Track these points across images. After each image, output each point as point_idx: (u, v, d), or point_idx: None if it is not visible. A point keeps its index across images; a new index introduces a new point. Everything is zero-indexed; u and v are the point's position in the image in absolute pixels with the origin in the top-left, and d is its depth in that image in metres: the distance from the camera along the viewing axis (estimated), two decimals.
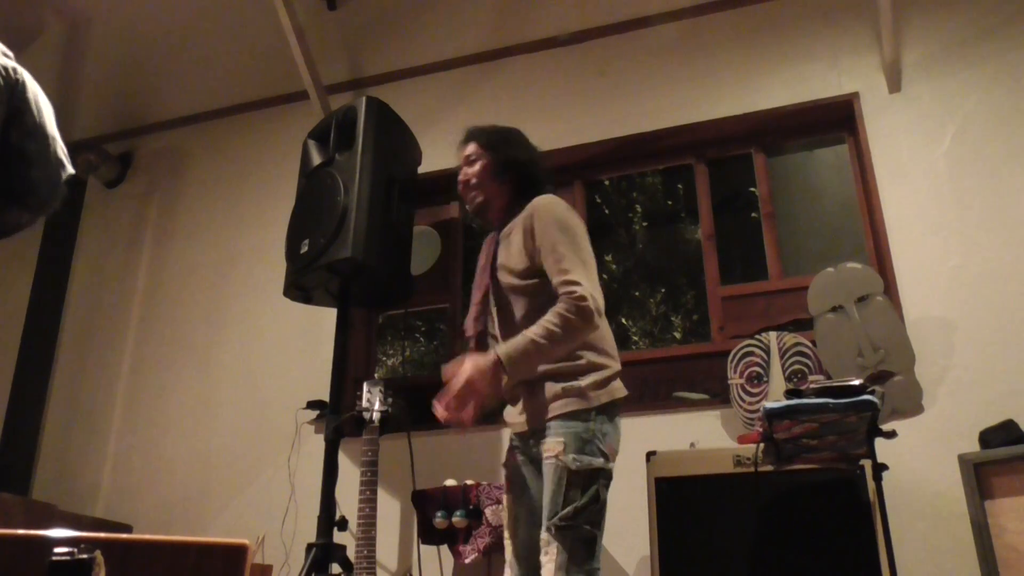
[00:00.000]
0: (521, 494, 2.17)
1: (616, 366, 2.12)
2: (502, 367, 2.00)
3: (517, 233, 2.20)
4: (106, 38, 4.63)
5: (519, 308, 2.17)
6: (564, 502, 1.96)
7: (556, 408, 2.05)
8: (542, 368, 2.08)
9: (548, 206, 2.17)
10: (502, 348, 2.02)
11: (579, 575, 1.93)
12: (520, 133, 2.44)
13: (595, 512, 1.98)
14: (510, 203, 2.30)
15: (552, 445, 2.02)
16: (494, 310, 2.23)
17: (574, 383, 2.06)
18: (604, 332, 2.15)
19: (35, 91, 1.41)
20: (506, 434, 3.20)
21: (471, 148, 2.36)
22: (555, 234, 2.10)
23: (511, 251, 2.19)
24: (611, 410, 2.07)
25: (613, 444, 2.05)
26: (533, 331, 2.01)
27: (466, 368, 2.03)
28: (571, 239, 2.11)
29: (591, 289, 2.04)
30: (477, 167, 2.31)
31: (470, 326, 2.26)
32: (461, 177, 2.34)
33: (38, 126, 1.39)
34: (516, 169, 2.31)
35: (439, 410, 2.10)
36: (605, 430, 2.05)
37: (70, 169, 1.44)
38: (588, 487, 1.97)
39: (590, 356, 2.10)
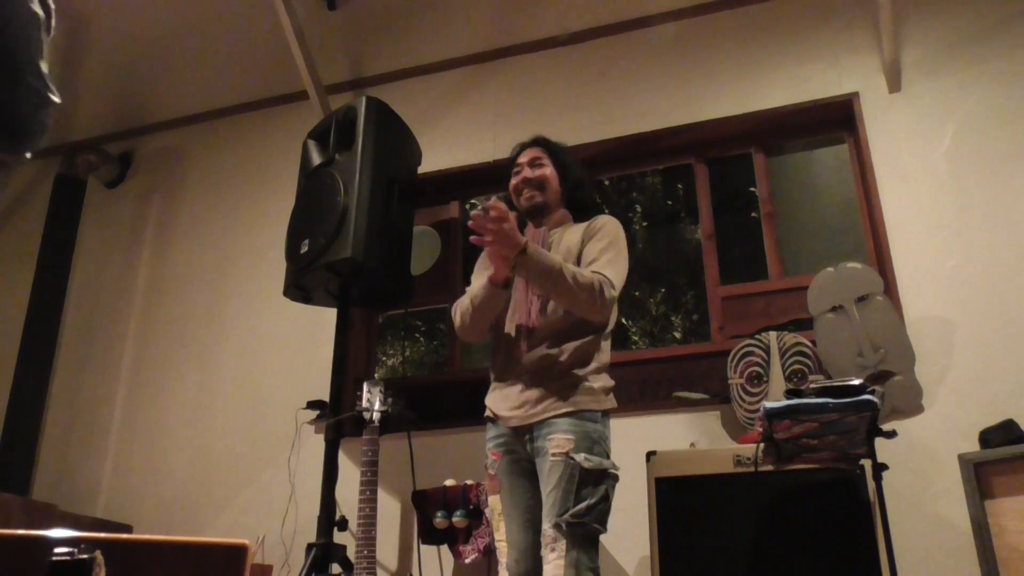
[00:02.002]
0: (510, 494, 2.18)
1: (610, 379, 2.25)
2: (523, 252, 2.08)
3: (575, 234, 2.33)
4: (106, 38, 4.63)
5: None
6: (576, 499, 1.99)
7: (569, 404, 2.10)
8: (557, 359, 2.16)
9: (616, 224, 2.36)
10: (533, 245, 2.11)
11: (588, 573, 1.95)
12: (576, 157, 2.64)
13: (603, 512, 2.04)
14: (561, 215, 2.45)
15: (562, 441, 2.05)
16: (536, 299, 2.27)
17: (587, 383, 2.14)
18: (608, 350, 2.28)
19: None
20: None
21: (538, 152, 2.48)
22: (611, 242, 2.28)
23: (564, 247, 2.32)
24: (609, 417, 2.19)
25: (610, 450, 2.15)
26: (565, 265, 2.12)
27: (505, 228, 2.07)
28: (619, 255, 2.27)
29: (616, 292, 2.20)
30: (547, 172, 2.44)
31: (536, 317, 2.23)
32: (526, 174, 2.44)
33: (5, 48, 1.13)
34: (578, 189, 2.49)
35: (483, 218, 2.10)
36: (607, 434, 2.14)
37: (55, 99, 1.21)
38: (599, 486, 2.03)
39: (602, 360, 2.22)
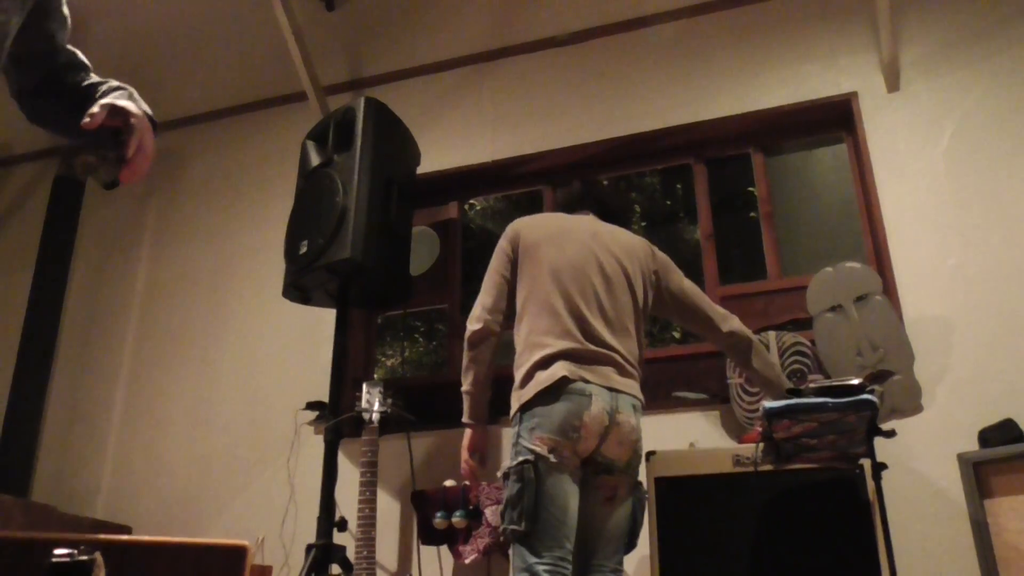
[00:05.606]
0: None
1: (540, 352, 2.13)
2: (466, 427, 2.34)
3: None
4: (105, 38, 4.63)
5: None
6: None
7: None
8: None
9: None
10: (465, 421, 2.34)
11: (520, 574, 2.00)
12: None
13: (516, 510, 2.01)
14: None
15: None
16: None
17: (515, 390, 2.19)
18: (535, 319, 2.19)
19: None
20: (505, 432, 3.22)
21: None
22: None
23: None
24: (538, 402, 2.07)
25: (542, 433, 2.04)
26: (464, 380, 2.33)
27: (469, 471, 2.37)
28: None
29: (472, 312, 2.31)
30: None
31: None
32: None
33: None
34: None
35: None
36: (530, 425, 2.06)
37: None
38: (507, 490, 2.05)
39: (521, 351, 2.21)
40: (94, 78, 1.48)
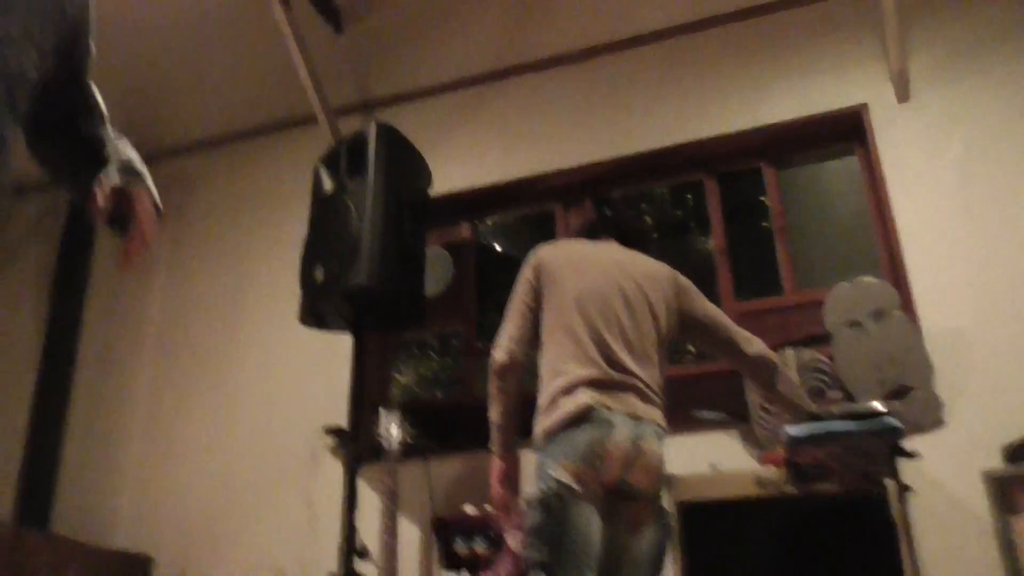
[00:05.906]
0: None
1: (564, 379, 2.14)
2: (495, 460, 2.28)
3: None
4: (113, 64, 4.63)
5: None
6: None
7: None
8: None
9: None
10: (494, 451, 2.30)
11: None
12: None
13: (533, 540, 2.03)
14: None
15: None
16: None
17: (539, 416, 2.19)
18: (559, 345, 2.21)
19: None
20: (527, 457, 3.21)
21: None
22: None
23: None
24: (557, 430, 2.09)
25: (563, 459, 2.05)
26: (491, 418, 2.28)
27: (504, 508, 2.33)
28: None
29: (497, 342, 2.27)
30: None
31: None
32: None
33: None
34: None
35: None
36: (554, 452, 2.08)
37: None
38: (530, 518, 2.05)
39: (545, 377, 2.20)
40: (107, 134, 1.44)
